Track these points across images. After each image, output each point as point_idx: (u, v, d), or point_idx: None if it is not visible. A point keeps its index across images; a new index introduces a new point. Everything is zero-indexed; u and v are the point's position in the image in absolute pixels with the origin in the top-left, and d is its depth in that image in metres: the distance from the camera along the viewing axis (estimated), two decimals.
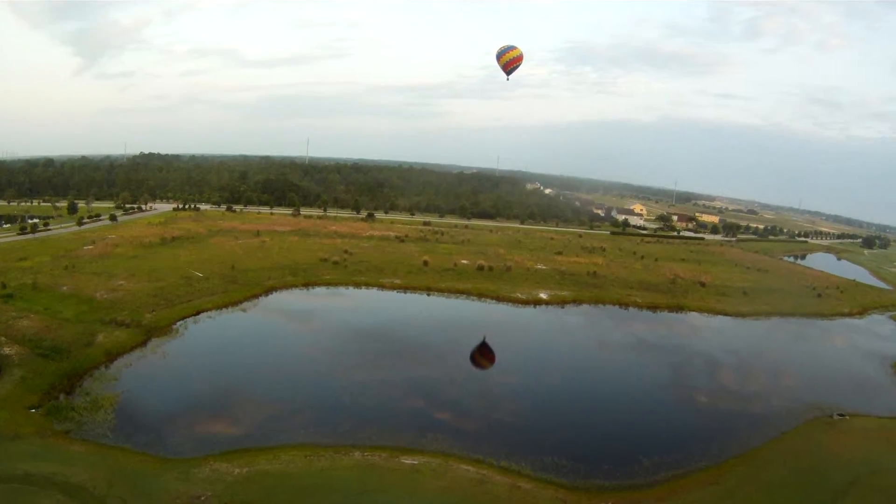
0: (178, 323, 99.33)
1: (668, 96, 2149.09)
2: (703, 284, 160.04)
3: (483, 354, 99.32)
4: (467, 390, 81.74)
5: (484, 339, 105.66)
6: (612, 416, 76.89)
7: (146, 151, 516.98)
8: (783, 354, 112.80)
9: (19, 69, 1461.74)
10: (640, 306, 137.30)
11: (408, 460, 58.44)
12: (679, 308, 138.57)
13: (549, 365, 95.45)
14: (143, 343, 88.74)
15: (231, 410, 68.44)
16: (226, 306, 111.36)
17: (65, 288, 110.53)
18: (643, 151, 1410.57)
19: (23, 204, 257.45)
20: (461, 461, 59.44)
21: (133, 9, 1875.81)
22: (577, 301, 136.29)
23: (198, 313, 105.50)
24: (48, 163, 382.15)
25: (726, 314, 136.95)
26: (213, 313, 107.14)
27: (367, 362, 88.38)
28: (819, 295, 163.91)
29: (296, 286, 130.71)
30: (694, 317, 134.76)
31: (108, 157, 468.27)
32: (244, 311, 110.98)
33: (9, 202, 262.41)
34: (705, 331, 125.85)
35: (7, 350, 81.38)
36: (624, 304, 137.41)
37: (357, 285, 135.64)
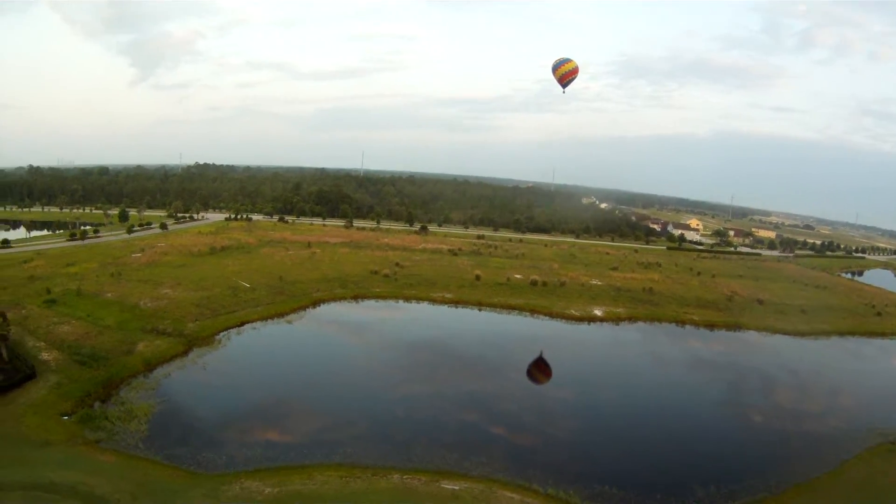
0: (222, 333, 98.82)
1: (722, 109, 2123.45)
2: (760, 302, 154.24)
3: (540, 369, 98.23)
4: (519, 405, 79.53)
5: (541, 353, 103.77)
6: (667, 438, 72.77)
7: (201, 162, 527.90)
8: (843, 375, 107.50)
9: (75, 80, 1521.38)
10: (696, 324, 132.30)
11: (448, 485, 55.76)
12: (736, 326, 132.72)
13: (603, 383, 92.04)
14: (184, 353, 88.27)
15: (267, 426, 67.04)
16: (271, 318, 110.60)
17: (109, 295, 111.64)
18: (698, 166, 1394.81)
19: (75, 211, 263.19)
20: (505, 487, 56.53)
21: (186, 22, 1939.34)
22: (632, 318, 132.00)
23: (242, 324, 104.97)
24: (103, 171, 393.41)
25: (785, 333, 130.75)
26: (257, 324, 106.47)
27: (413, 377, 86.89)
28: (879, 313, 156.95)
29: (344, 298, 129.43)
30: (752, 335, 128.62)
31: (163, 167, 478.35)
32: (290, 322, 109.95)
33: (61, 209, 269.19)
34: (763, 350, 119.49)
35: (45, 355, 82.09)
36: (680, 322, 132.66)
37: (407, 299, 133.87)
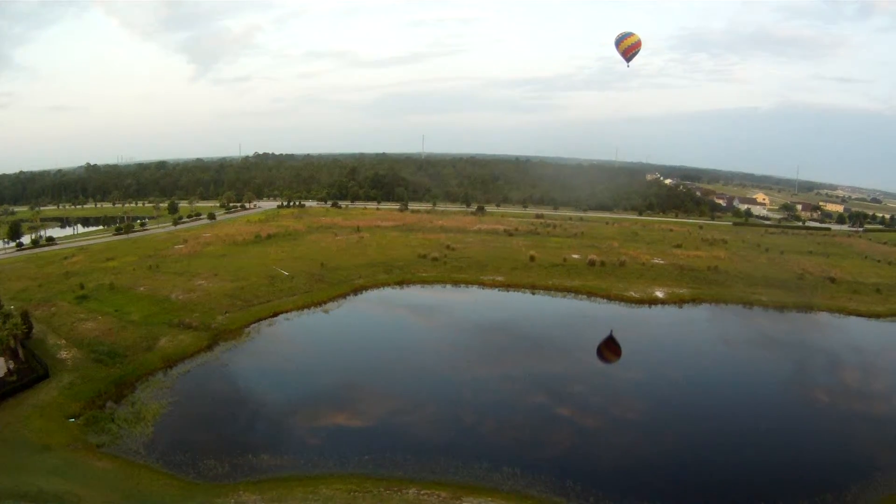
0: (252, 326, 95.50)
1: (784, 81, 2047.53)
2: (832, 280, 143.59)
3: (609, 348, 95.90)
4: (561, 401, 73.00)
5: (611, 332, 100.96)
6: (728, 455, 62.44)
7: (261, 152, 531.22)
8: None
9: (134, 79, 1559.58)
10: (765, 305, 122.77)
11: (471, 502, 50.24)
12: (808, 308, 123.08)
13: (661, 379, 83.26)
14: (209, 347, 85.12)
15: (279, 434, 61.94)
16: (307, 307, 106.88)
17: (142, 288, 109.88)
18: (762, 139, 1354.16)
19: (128, 205, 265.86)
20: None
21: (243, 16, 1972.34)
22: (696, 300, 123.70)
23: (275, 315, 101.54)
24: (160, 165, 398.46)
25: (859, 314, 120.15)
26: (291, 315, 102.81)
27: (441, 382, 78.89)
28: None
29: (388, 285, 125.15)
30: (824, 317, 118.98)
31: (222, 160, 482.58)
32: (326, 312, 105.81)
33: (114, 204, 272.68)
34: (838, 333, 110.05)
35: (63, 354, 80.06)
36: (748, 304, 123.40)
37: (455, 283, 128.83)
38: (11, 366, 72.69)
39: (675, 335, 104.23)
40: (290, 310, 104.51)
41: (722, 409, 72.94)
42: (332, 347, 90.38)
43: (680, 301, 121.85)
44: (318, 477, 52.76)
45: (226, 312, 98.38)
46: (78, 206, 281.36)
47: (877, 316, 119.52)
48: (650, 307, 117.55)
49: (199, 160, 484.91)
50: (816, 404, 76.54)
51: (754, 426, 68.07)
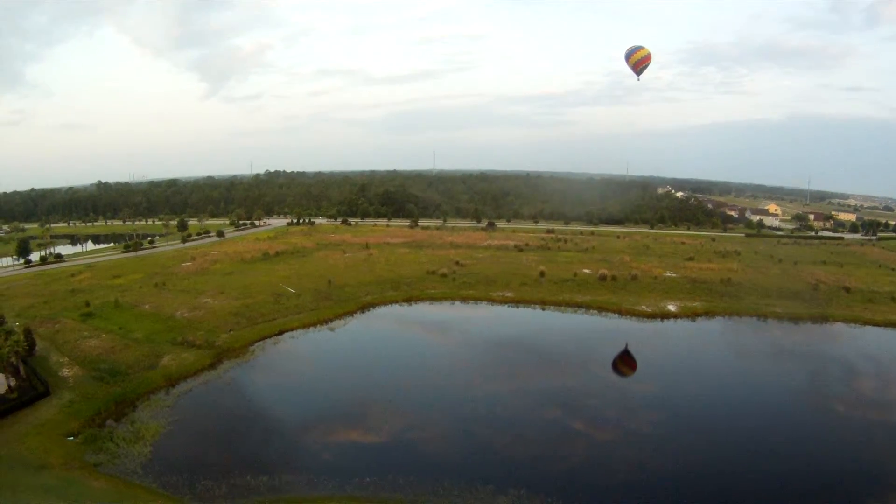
0: (256, 344, 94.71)
1: (794, 93, 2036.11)
2: (847, 290, 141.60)
3: (625, 362, 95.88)
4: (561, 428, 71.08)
5: (626, 346, 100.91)
6: (744, 467, 60.89)
7: (272, 170, 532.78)
8: None
9: (146, 97, 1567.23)
10: (779, 317, 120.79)
11: None
12: (823, 319, 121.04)
13: (675, 392, 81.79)
14: (212, 366, 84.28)
15: (279, 455, 60.59)
16: (313, 325, 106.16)
17: (147, 306, 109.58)
18: (773, 151, 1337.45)
19: (138, 223, 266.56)
20: None
21: (253, 35, 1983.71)
22: (709, 313, 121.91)
23: (280, 333, 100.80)
24: (171, 183, 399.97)
25: (875, 324, 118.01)
26: (297, 333, 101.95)
27: (447, 400, 77.33)
28: None
29: (396, 302, 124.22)
30: (840, 328, 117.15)
31: (234, 177, 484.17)
32: (332, 330, 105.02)
33: (124, 221, 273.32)
34: (854, 343, 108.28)
35: (66, 371, 79.62)
36: (762, 316, 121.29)
37: (464, 299, 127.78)
38: (12, 383, 72.22)
39: (688, 349, 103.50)
40: (296, 328, 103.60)
41: (737, 422, 71.82)
42: (337, 366, 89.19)
43: (693, 314, 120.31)
44: (317, 499, 51.65)
45: (230, 331, 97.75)
46: (88, 224, 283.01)
47: (893, 325, 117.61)
48: (662, 321, 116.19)
49: (210, 178, 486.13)
50: (832, 415, 75.39)
51: (770, 438, 67.02)
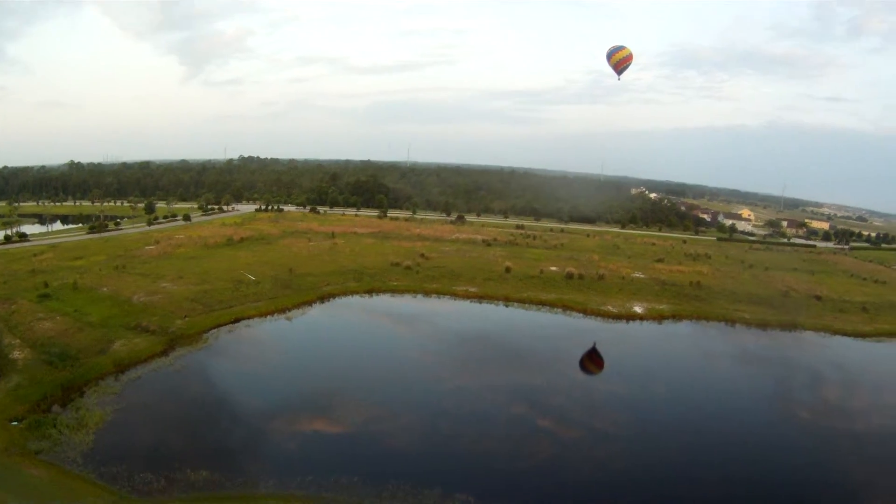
0: (211, 331, 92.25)
1: (774, 100, 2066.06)
2: (818, 298, 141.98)
3: (592, 360, 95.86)
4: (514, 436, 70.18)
5: (594, 345, 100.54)
6: (708, 470, 61.49)
7: (246, 155, 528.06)
8: None
9: (126, 79, 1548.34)
10: (748, 323, 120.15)
11: None
12: (793, 326, 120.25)
13: (641, 394, 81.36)
14: (164, 353, 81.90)
15: (222, 448, 58.55)
16: (271, 314, 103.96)
17: (105, 289, 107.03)
18: (749, 157, 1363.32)
19: (106, 204, 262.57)
20: None
21: (236, 20, 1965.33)
22: (676, 316, 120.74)
23: (237, 321, 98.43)
24: (143, 165, 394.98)
25: (845, 334, 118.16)
26: (253, 321, 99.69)
27: (397, 400, 74.63)
28: None
29: (357, 293, 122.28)
30: (809, 336, 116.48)
31: (208, 161, 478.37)
32: (289, 319, 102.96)
33: (93, 202, 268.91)
34: (823, 353, 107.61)
35: (17, 354, 77.09)
36: (730, 321, 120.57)
37: (427, 293, 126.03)
38: None
39: (654, 351, 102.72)
40: (253, 316, 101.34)
41: (702, 425, 71.73)
42: (290, 357, 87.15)
43: (659, 317, 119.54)
44: (255, 497, 50.00)
45: (185, 317, 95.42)
46: (58, 204, 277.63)
47: (863, 336, 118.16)
48: (628, 322, 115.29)
49: (184, 161, 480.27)
50: (798, 422, 75.93)
51: (735, 443, 67.17)
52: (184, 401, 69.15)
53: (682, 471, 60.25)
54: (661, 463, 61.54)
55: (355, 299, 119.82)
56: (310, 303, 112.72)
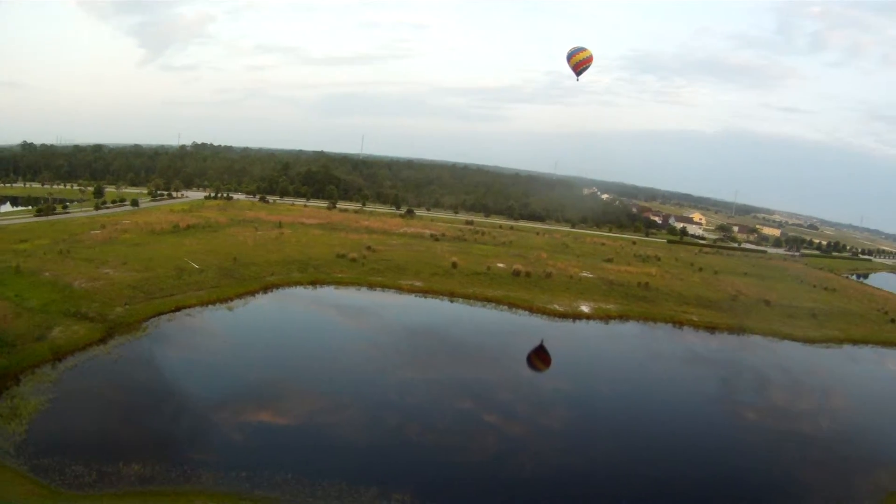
0: (151, 319, 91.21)
1: (731, 108, 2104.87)
2: (767, 303, 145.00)
3: (540, 357, 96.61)
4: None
5: (542, 342, 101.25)
6: (652, 468, 62.61)
7: (200, 142, 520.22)
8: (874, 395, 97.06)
9: (84, 60, 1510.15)
10: (696, 325, 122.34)
11: None
12: (741, 330, 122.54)
13: (586, 392, 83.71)
14: (102, 340, 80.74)
15: (155, 441, 57.30)
16: (212, 303, 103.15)
17: (47, 274, 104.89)
18: (704, 163, 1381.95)
19: (56, 186, 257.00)
20: None
21: (197, 4, 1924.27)
22: (623, 316, 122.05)
23: (177, 309, 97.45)
24: (96, 148, 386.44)
25: (793, 339, 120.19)
26: (194, 310, 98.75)
27: (332, 390, 75.42)
28: (892, 320, 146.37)
29: (300, 284, 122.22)
30: (758, 340, 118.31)
31: (162, 147, 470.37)
32: (230, 309, 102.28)
33: (43, 185, 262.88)
34: (770, 357, 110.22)
35: None
36: (678, 323, 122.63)
37: (371, 286, 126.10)
38: None
39: (599, 351, 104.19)
40: (194, 305, 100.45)
41: (648, 424, 73.24)
42: (228, 348, 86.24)
43: (606, 317, 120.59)
44: (185, 492, 49.26)
45: (125, 304, 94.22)
46: (7, 185, 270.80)
47: (811, 341, 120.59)
48: (574, 322, 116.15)
49: (137, 146, 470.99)
50: (743, 422, 78.37)
51: (680, 442, 69.33)
52: (120, 390, 68.26)
53: (626, 468, 61.65)
54: (605, 460, 63.25)
55: (299, 290, 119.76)
56: (252, 293, 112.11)
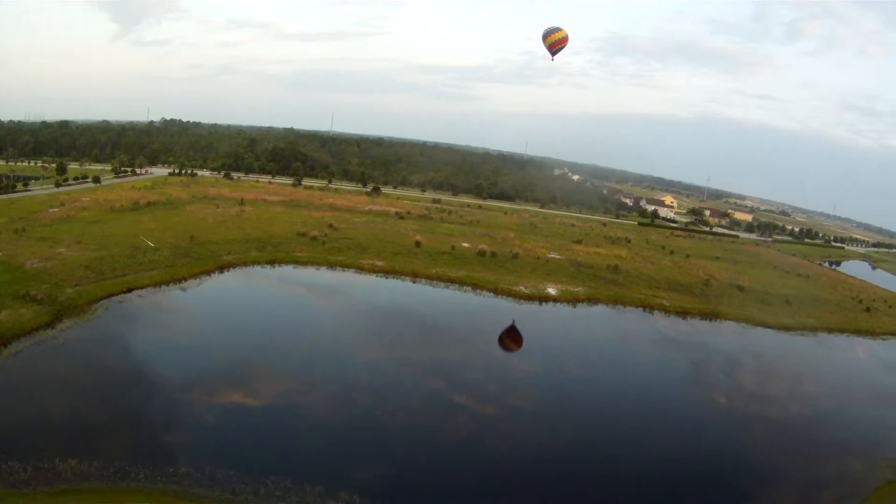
0: (101, 301, 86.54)
1: (705, 93, 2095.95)
2: (741, 289, 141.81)
3: (511, 338, 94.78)
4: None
5: (513, 322, 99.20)
6: (623, 449, 62.25)
7: (169, 118, 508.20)
8: (854, 388, 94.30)
9: (54, 34, 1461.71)
10: (667, 310, 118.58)
11: None
12: (714, 315, 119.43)
13: (555, 376, 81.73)
14: (49, 324, 76.15)
15: (95, 435, 53.40)
16: (165, 283, 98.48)
17: (0, 254, 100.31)
18: (677, 147, 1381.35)
19: (20, 164, 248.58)
20: None
21: None
22: (591, 299, 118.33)
23: (129, 290, 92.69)
24: (63, 125, 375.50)
25: (767, 326, 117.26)
26: (146, 291, 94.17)
27: (278, 374, 72.96)
28: (867, 309, 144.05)
29: (258, 263, 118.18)
30: (731, 327, 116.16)
31: (131, 123, 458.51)
32: (183, 290, 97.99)
33: (7, 161, 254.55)
34: (742, 343, 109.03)
35: None
36: (648, 307, 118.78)
37: (332, 265, 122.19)
38: None
39: (567, 334, 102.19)
40: (146, 285, 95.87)
41: (618, 406, 72.66)
42: (179, 332, 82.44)
43: (574, 300, 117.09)
44: (121, 490, 45.97)
45: (76, 285, 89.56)
46: None
47: (785, 328, 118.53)
48: (541, 304, 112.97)
49: (105, 122, 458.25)
50: (714, 405, 78.09)
51: (650, 424, 68.30)
52: (63, 379, 64.14)
53: (596, 449, 61.15)
54: (576, 441, 62.26)
55: (256, 269, 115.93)
56: (208, 272, 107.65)
